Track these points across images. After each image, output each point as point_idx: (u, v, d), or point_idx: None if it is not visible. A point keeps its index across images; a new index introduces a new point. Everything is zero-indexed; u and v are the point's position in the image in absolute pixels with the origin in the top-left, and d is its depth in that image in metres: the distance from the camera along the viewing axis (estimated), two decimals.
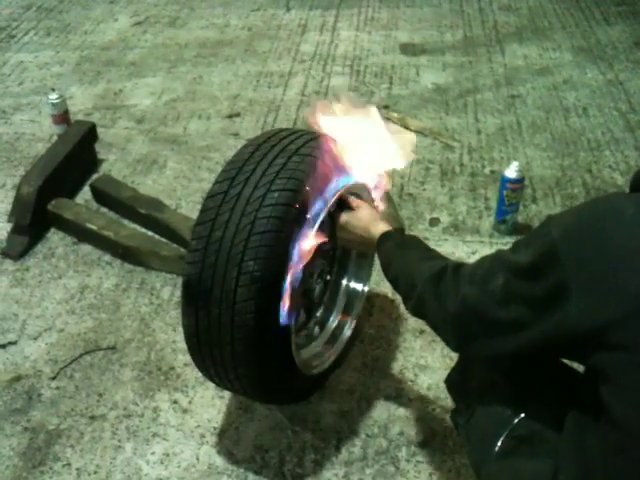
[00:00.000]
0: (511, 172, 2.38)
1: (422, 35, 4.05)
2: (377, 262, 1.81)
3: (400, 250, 1.47)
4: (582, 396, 1.11)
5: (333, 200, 1.58)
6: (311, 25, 4.22)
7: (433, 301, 1.23)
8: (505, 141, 3.05)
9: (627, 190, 1.10)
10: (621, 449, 1.00)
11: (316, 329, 1.97)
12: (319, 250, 1.65)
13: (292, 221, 1.46)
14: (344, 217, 1.67)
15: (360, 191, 1.76)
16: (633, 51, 3.72)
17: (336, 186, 1.59)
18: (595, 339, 0.98)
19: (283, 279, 1.48)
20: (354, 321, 2.02)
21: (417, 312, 1.35)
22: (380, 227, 1.58)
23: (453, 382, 1.51)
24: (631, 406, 0.97)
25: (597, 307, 0.97)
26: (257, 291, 1.43)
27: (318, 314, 1.99)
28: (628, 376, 0.97)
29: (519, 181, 2.39)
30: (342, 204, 1.68)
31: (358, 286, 2.04)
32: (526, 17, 4.23)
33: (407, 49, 3.90)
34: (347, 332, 2.00)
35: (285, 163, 1.51)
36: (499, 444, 1.26)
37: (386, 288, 2.24)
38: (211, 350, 1.54)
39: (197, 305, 1.50)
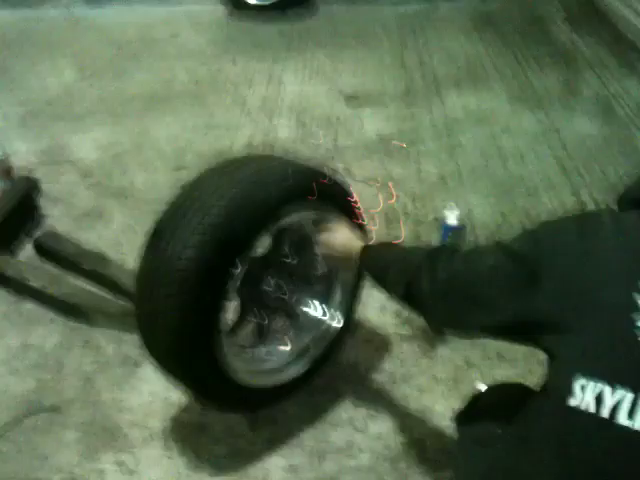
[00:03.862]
0: (452, 219, 2.45)
1: (365, 87, 4.16)
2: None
3: (388, 249, 1.61)
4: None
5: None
6: (257, 78, 4.29)
7: (425, 277, 1.35)
8: (447, 189, 3.13)
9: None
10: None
11: (264, 350, 1.99)
12: (279, 267, 1.83)
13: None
14: (322, 237, 1.81)
15: (332, 216, 1.86)
16: (567, 98, 3.89)
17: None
18: (552, 324, 1.15)
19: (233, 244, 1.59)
20: (311, 359, 2.02)
21: (407, 291, 1.42)
22: (359, 242, 1.69)
23: (460, 417, 1.63)
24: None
25: (558, 297, 1.14)
26: (202, 243, 1.55)
27: (272, 342, 2.01)
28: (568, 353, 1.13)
29: (460, 229, 2.46)
30: (321, 229, 1.82)
31: (327, 321, 2.06)
32: (464, 69, 4.39)
33: (351, 101, 3.99)
34: (295, 370, 1.99)
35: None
36: None
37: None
38: (150, 293, 1.63)
39: (155, 246, 1.64)
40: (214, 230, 1.56)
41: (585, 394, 1.07)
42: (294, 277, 2.05)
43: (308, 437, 1.97)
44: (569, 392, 1.09)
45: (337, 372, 2.17)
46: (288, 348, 2.03)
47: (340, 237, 1.75)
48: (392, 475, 1.85)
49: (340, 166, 3.27)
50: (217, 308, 1.63)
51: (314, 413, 2.04)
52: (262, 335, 2.01)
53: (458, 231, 2.45)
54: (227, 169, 1.75)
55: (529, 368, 2.17)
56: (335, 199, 1.86)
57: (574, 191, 3.09)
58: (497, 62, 4.47)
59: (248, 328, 1.99)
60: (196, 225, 1.56)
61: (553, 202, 3.01)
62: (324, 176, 1.83)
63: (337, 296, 2.08)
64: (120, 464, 1.90)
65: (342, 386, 2.13)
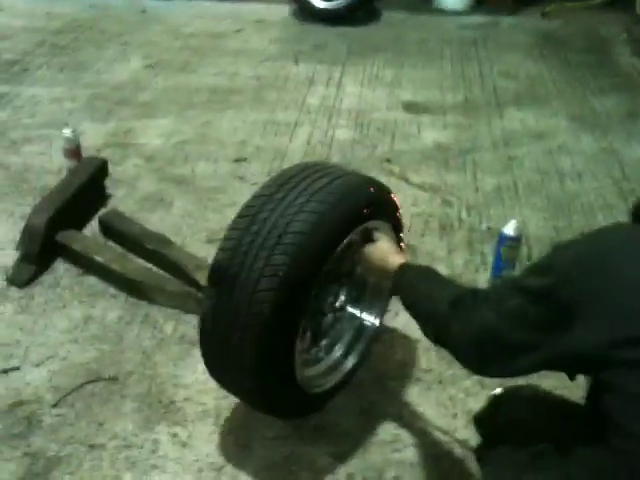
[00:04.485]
0: (509, 230, 2.48)
1: (424, 95, 4.21)
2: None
3: (418, 279, 1.59)
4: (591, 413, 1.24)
5: (360, 228, 1.76)
6: (318, 79, 4.37)
7: (453, 326, 1.34)
8: (502, 200, 3.16)
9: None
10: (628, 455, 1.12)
11: (321, 353, 2.04)
12: (335, 276, 1.80)
13: (325, 229, 1.60)
14: (366, 248, 1.80)
15: (381, 227, 1.89)
16: (627, 121, 3.88)
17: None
18: (601, 357, 1.11)
19: (304, 280, 1.60)
20: (361, 351, 2.09)
21: (437, 337, 1.44)
22: (397, 258, 1.71)
23: (482, 419, 1.63)
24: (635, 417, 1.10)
25: (600, 329, 1.11)
26: (279, 283, 1.54)
27: (325, 341, 2.06)
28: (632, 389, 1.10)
29: (517, 239, 2.49)
30: (365, 237, 1.83)
31: (369, 320, 2.12)
32: (524, 84, 4.41)
33: (410, 107, 4.04)
34: (350, 362, 2.06)
35: (329, 182, 1.68)
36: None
37: (385, 334, 2.31)
38: (222, 336, 1.62)
39: (220, 289, 1.60)
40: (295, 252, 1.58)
41: None
42: (342, 281, 2.10)
43: (354, 428, 2.02)
44: None
45: (386, 369, 2.22)
46: (337, 345, 2.08)
47: (381, 250, 1.77)
48: (434, 473, 1.90)
49: (396, 170, 3.32)
50: (298, 330, 1.69)
51: (361, 406, 2.09)
52: (316, 338, 2.05)
53: (514, 241, 2.48)
54: (286, 187, 1.71)
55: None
56: (387, 212, 1.93)
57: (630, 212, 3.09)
58: (557, 80, 4.47)
59: (306, 335, 2.01)
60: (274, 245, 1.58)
61: (607, 221, 3.01)
62: (382, 188, 1.91)
63: (374, 295, 2.14)
64: (173, 435, 1.97)
65: (389, 382, 2.18)
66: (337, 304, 2.08)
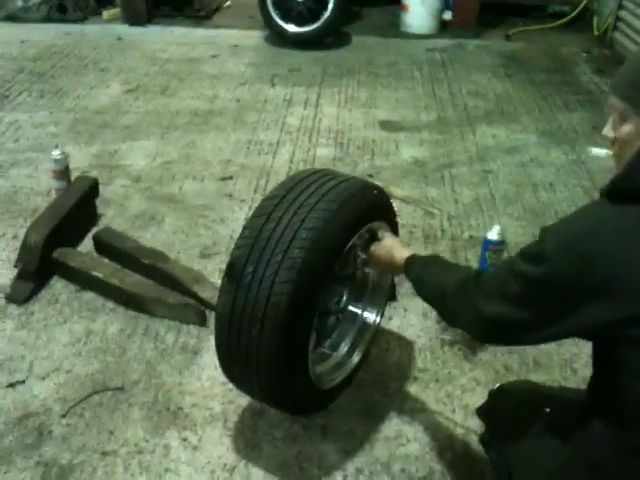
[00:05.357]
0: (493, 234, 2.60)
1: (399, 114, 4.36)
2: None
3: (427, 268, 1.70)
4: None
5: (366, 228, 1.88)
6: (295, 100, 4.50)
7: (460, 311, 1.46)
8: (481, 210, 3.30)
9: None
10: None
11: (327, 351, 2.14)
12: (339, 277, 1.92)
13: (336, 225, 1.71)
14: (373, 246, 1.94)
15: (383, 227, 2.03)
16: (592, 134, 4.08)
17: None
18: (608, 334, 1.23)
19: (319, 273, 1.69)
20: (364, 348, 2.20)
21: (449, 320, 1.57)
22: (404, 252, 1.82)
23: (484, 411, 1.80)
24: None
25: (604, 310, 1.20)
26: (296, 275, 1.62)
27: (330, 339, 2.16)
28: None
29: (501, 243, 2.61)
30: (371, 236, 1.97)
31: (370, 317, 2.24)
32: (493, 102, 4.60)
33: (386, 125, 4.18)
34: (356, 358, 2.17)
35: (337, 184, 1.80)
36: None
37: (381, 337, 2.40)
38: (239, 330, 1.69)
39: (238, 283, 1.67)
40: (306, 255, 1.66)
41: None
42: (345, 283, 2.21)
43: (359, 426, 2.09)
44: None
45: (384, 370, 2.31)
46: (342, 343, 2.18)
47: (388, 246, 1.91)
48: (440, 464, 1.98)
49: (380, 184, 3.44)
50: (313, 322, 1.78)
51: (364, 405, 2.17)
52: (322, 337, 2.15)
53: (498, 245, 2.60)
54: (293, 193, 1.80)
55: (563, 375, 2.30)
56: (387, 214, 2.07)
57: None
58: (524, 98, 4.68)
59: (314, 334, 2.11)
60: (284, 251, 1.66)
61: None
62: (382, 192, 2.04)
63: (374, 294, 2.26)
64: (184, 440, 2.02)
65: (389, 382, 2.27)
66: (341, 304, 2.19)
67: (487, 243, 2.62)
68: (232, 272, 1.69)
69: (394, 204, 2.14)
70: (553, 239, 1.27)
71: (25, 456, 1.96)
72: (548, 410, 1.54)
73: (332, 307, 2.15)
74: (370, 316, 2.25)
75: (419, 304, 2.51)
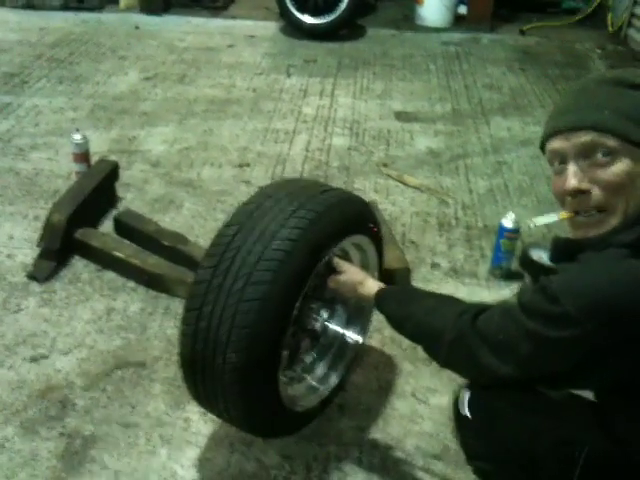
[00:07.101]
0: (508, 222, 2.64)
1: (414, 105, 4.40)
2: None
3: (402, 307, 1.58)
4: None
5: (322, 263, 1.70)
6: (311, 90, 4.54)
7: (458, 363, 1.44)
8: (495, 200, 3.33)
9: None
10: None
11: (301, 373, 2.04)
12: (316, 295, 1.85)
13: (308, 242, 1.61)
14: (331, 282, 1.80)
15: (361, 241, 1.92)
16: None
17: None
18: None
19: (294, 284, 1.59)
20: (343, 370, 2.10)
21: (442, 364, 1.50)
22: (368, 285, 1.71)
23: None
24: None
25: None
26: (263, 293, 1.54)
27: (306, 359, 2.07)
28: None
29: (515, 231, 2.65)
30: (329, 268, 1.80)
31: (351, 337, 2.13)
32: (508, 95, 4.63)
33: (401, 116, 4.22)
34: (333, 380, 2.07)
35: (313, 196, 1.70)
36: None
37: None
38: (204, 356, 1.62)
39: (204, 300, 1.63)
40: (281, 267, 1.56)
41: None
42: (323, 299, 2.09)
43: (374, 404, 2.14)
44: None
45: (399, 353, 2.35)
46: (318, 364, 2.09)
47: (350, 280, 1.75)
48: (453, 441, 2.02)
49: (393, 173, 3.48)
50: (283, 346, 1.65)
51: (379, 384, 2.22)
52: (296, 357, 2.04)
53: (513, 233, 2.64)
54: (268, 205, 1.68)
55: None
56: (365, 226, 1.92)
57: None
58: (538, 92, 4.70)
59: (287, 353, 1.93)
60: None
61: None
62: (360, 201, 1.90)
63: (356, 312, 2.15)
64: (204, 414, 2.07)
65: (403, 363, 2.31)
66: (319, 323, 2.09)
67: (502, 230, 2.66)
68: (198, 288, 1.66)
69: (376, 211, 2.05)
70: (576, 302, 1.18)
71: (49, 427, 2.01)
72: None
73: (309, 325, 2.05)
74: (352, 335, 2.13)
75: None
